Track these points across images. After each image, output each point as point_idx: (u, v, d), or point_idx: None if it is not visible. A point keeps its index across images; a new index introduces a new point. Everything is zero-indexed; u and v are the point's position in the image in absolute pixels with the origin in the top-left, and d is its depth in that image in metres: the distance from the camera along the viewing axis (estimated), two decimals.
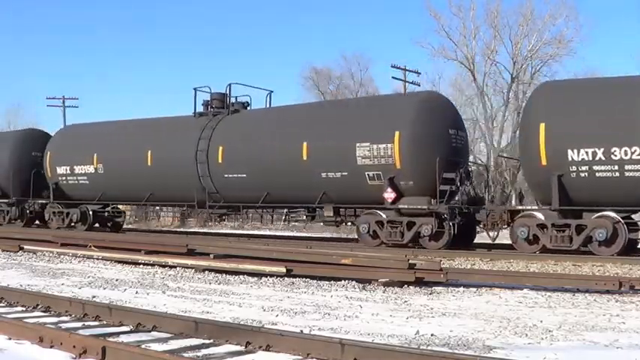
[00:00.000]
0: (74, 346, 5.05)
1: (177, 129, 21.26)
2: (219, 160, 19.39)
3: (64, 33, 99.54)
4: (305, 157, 17.69)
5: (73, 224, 23.26)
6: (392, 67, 41.07)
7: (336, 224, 18.99)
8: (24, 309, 7.27)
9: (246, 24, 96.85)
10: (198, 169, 19.77)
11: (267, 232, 27.07)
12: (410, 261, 9.75)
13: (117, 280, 10.18)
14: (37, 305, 7.29)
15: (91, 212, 23.10)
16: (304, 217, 20.17)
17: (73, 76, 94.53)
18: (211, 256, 12.11)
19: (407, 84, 42.17)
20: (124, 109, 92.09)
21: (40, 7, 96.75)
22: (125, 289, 9.13)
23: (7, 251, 14.67)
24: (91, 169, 22.80)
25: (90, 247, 14.09)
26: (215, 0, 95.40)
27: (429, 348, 5.37)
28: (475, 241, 17.47)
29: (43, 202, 24.40)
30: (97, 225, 23.75)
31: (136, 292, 8.87)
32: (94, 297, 8.21)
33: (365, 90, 50.91)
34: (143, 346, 5.23)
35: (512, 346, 5.64)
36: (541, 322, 6.78)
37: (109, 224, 24.38)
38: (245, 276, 10.61)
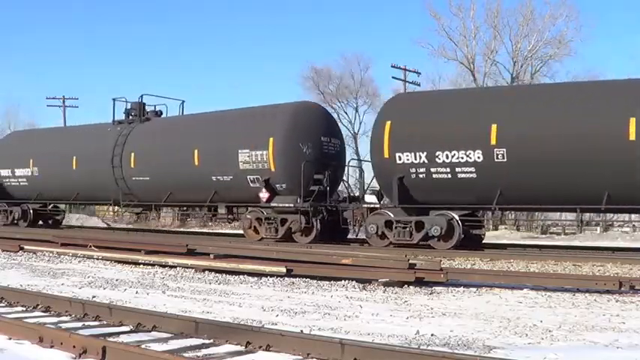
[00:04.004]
0: (74, 346, 5.06)
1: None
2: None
3: (64, 32, 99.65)
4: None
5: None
6: (392, 67, 41.19)
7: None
8: (24, 309, 7.27)
9: (247, 24, 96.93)
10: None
11: None
12: (410, 261, 9.77)
13: (117, 280, 10.18)
14: (37, 305, 7.29)
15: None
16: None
17: (73, 76, 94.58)
18: (211, 256, 12.13)
19: (407, 84, 42.21)
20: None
21: (40, 6, 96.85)
22: (125, 289, 9.14)
23: (8, 251, 14.69)
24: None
25: (90, 247, 14.10)
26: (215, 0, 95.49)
27: (429, 348, 5.37)
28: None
29: None
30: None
31: (136, 292, 8.87)
32: (94, 297, 8.22)
33: (365, 90, 50.97)
34: (143, 346, 5.24)
35: (512, 346, 5.64)
36: (541, 322, 6.78)
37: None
38: (245, 276, 10.62)
